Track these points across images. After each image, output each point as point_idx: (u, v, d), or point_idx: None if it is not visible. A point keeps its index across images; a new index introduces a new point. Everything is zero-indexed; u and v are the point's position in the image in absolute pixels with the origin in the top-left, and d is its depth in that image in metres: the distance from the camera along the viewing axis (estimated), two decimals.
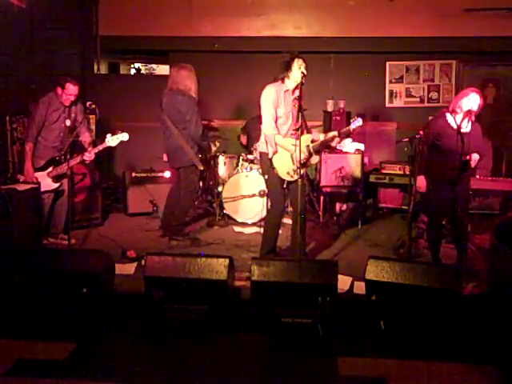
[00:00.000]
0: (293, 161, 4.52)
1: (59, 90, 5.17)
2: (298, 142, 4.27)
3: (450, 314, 3.53)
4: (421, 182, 4.57)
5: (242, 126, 7.07)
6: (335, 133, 4.67)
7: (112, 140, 5.17)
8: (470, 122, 4.43)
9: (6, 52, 5.66)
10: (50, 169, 5.20)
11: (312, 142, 4.65)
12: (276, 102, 4.56)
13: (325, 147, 4.86)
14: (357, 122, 4.65)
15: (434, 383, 3.24)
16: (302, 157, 4.43)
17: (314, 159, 4.66)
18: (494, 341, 3.51)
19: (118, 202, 7.00)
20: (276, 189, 4.71)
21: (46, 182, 5.18)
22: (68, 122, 5.25)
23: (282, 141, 4.58)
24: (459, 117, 4.40)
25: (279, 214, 4.77)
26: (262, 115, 4.63)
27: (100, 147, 5.21)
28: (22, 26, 5.89)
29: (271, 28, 7.56)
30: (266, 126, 4.59)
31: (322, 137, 4.71)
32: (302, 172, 4.40)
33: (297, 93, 4.57)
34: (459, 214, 4.49)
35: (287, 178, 4.60)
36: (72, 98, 5.21)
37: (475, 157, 4.35)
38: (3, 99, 5.63)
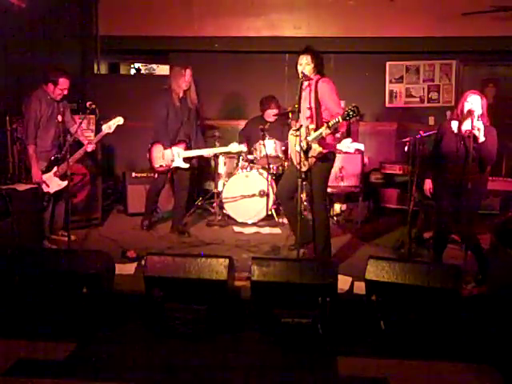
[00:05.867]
0: (296, 153, 4.64)
1: (51, 87, 5.12)
2: (297, 138, 4.39)
3: (449, 314, 3.53)
4: (427, 185, 4.61)
5: (241, 129, 7.04)
6: (324, 125, 4.51)
7: (108, 127, 5.22)
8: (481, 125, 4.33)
9: (6, 52, 5.65)
10: (55, 168, 5.21)
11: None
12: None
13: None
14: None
15: (434, 383, 3.24)
16: (302, 149, 4.50)
17: (314, 151, 4.52)
18: (494, 341, 3.52)
19: (118, 202, 7.01)
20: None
21: (56, 182, 5.20)
22: (60, 117, 5.25)
23: (290, 136, 4.84)
24: (466, 122, 4.34)
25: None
26: None
27: (99, 136, 5.29)
28: (21, 26, 5.89)
29: (271, 28, 7.56)
30: None
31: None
32: (307, 164, 4.52)
33: (307, 88, 4.58)
34: (464, 219, 4.44)
35: (298, 168, 4.67)
36: (65, 92, 5.19)
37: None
38: (3, 99, 5.63)
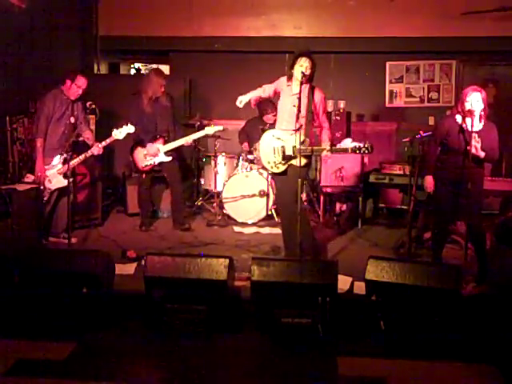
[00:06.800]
0: (274, 153, 4.60)
1: (68, 83, 5.18)
2: (288, 137, 4.41)
3: (449, 314, 3.53)
4: (428, 181, 4.53)
5: (240, 128, 7.03)
6: (327, 147, 4.47)
7: (119, 133, 5.32)
8: (482, 122, 4.32)
9: (7, 52, 5.66)
10: (60, 166, 5.23)
11: (303, 143, 4.44)
12: (278, 92, 4.74)
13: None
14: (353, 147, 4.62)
15: (434, 383, 3.24)
16: (285, 154, 4.53)
17: (300, 162, 4.34)
18: (494, 341, 3.51)
19: (118, 202, 7.01)
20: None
21: (58, 179, 5.22)
22: (72, 120, 5.28)
23: (268, 134, 4.72)
24: (467, 121, 4.33)
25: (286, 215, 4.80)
26: None
27: (108, 141, 5.33)
28: (22, 26, 5.89)
29: (271, 28, 7.56)
30: None
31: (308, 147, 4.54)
32: (283, 168, 4.54)
33: (302, 92, 4.52)
34: (470, 215, 4.40)
35: (268, 167, 4.70)
36: (80, 92, 5.25)
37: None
38: (3, 99, 5.63)
